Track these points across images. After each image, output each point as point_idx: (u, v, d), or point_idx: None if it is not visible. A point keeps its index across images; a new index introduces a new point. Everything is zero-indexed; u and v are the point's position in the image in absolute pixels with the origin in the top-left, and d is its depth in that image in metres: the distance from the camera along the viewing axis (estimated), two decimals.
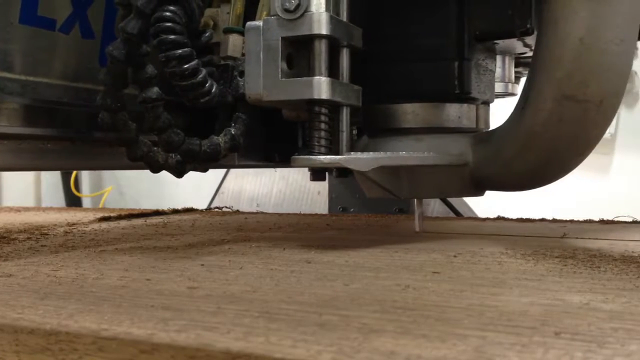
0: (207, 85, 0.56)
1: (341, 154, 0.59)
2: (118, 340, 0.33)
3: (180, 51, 0.54)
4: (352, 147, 0.64)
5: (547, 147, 0.59)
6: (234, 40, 0.62)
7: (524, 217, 0.86)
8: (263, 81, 0.56)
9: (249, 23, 0.57)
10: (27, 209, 1.26)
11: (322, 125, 0.58)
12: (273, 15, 0.56)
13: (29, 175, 2.27)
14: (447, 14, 0.63)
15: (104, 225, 0.87)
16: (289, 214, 1.09)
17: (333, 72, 0.59)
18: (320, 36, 0.56)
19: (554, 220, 0.84)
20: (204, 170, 0.61)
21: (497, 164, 0.63)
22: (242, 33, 0.60)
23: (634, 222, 0.80)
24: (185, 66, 0.54)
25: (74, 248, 0.63)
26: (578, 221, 0.83)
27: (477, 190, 0.67)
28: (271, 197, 1.25)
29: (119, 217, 0.96)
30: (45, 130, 0.62)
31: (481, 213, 1.17)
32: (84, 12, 0.62)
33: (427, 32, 0.64)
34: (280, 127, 0.66)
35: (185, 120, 0.65)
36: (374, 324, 0.33)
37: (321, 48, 0.57)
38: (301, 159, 0.58)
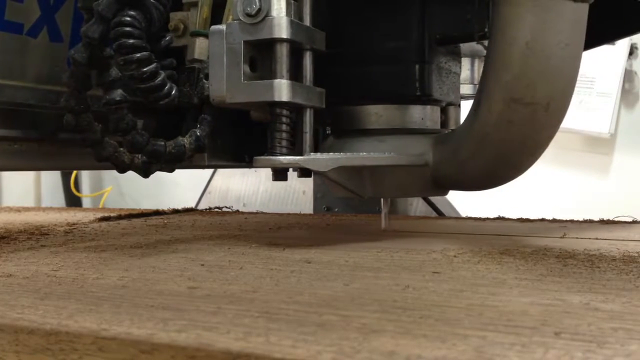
0: (167, 87, 0.58)
1: (304, 155, 0.61)
2: (118, 340, 0.33)
3: (138, 55, 0.55)
4: (318, 148, 0.67)
5: (499, 148, 0.61)
6: (200, 43, 0.63)
7: (524, 217, 0.86)
8: (226, 83, 0.58)
9: (212, 27, 0.59)
10: (27, 209, 1.26)
11: (284, 127, 0.60)
12: (236, 20, 0.58)
13: (29, 176, 2.27)
14: (408, 18, 0.65)
15: (104, 225, 0.87)
16: (289, 214, 1.09)
17: (296, 74, 0.61)
18: (281, 40, 0.58)
19: (554, 220, 0.84)
20: (171, 170, 0.63)
21: (455, 164, 0.65)
22: (208, 36, 0.61)
23: (634, 222, 0.81)
24: (144, 69, 0.56)
25: (74, 248, 0.63)
26: (578, 221, 0.83)
27: (439, 189, 0.69)
28: (257, 196, 1.27)
29: (119, 217, 0.96)
30: (12, 131, 0.64)
31: (463, 213, 1.18)
32: (52, 16, 0.64)
33: (390, 36, 0.66)
34: (251, 128, 0.68)
35: (156, 122, 0.66)
36: (374, 324, 0.33)
37: (282, 51, 0.58)
38: (262, 160, 0.60)
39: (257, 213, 1.06)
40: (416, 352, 0.29)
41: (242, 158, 0.69)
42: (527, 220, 0.84)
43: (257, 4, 0.57)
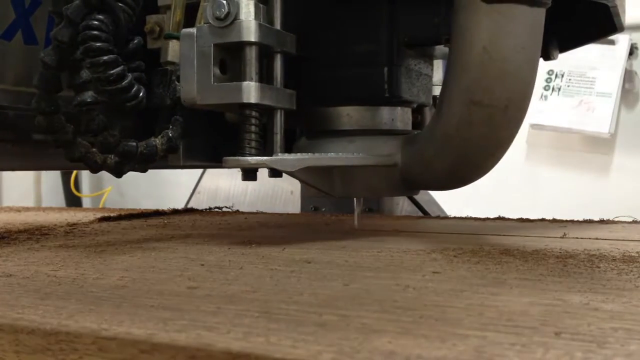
0: (134, 89, 0.59)
1: (275, 155, 0.62)
2: (118, 340, 0.33)
3: (105, 57, 0.56)
4: (291, 148, 0.69)
5: (461, 149, 0.62)
6: (173, 46, 0.64)
7: (524, 217, 0.86)
8: (197, 85, 0.59)
9: (183, 30, 0.60)
10: (27, 209, 1.26)
11: (253, 128, 0.61)
12: (206, 23, 0.59)
13: (29, 176, 2.27)
14: (377, 22, 0.67)
15: (104, 225, 0.87)
16: (289, 214, 1.09)
17: (267, 77, 0.62)
18: (250, 43, 0.59)
19: (554, 220, 0.84)
20: (144, 170, 0.64)
21: (421, 164, 0.66)
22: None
23: (634, 222, 0.81)
24: (111, 72, 0.57)
25: (74, 248, 0.63)
26: (578, 221, 0.83)
27: (408, 189, 0.71)
28: (246, 196, 1.28)
29: (119, 217, 0.96)
30: None
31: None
32: (27, 19, 0.65)
33: (359, 39, 0.68)
34: (227, 129, 0.69)
35: (133, 122, 0.67)
36: (374, 324, 0.33)
37: (251, 54, 0.60)
38: (231, 160, 0.61)
39: (257, 213, 1.06)
40: (416, 352, 0.29)
41: (218, 158, 0.70)
42: (527, 220, 0.84)
43: (226, 7, 0.58)
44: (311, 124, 0.71)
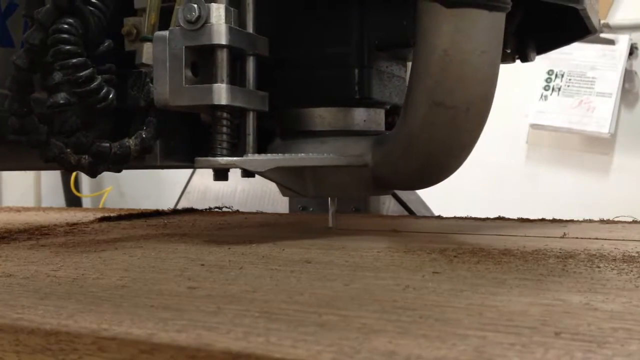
0: (103, 91, 0.60)
1: (246, 156, 0.63)
2: (118, 340, 0.33)
3: (74, 60, 0.58)
4: (265, 149, 0.70)
5: (425, 150, 0.64)
6: (147, 48, 0.65)
7: (524, 217, 0.86)
8: (169, 87, 0.60)
9: (156, 33, 0.62)
10: (27, 209, 1.26)
11: (224, 129, 0.62)
12: (178, 26, 0.60)
13: (29, 176, 2.27)
14: (348, 25, 0.69)
15: (104, 225, 0.87)
16: (288, 214, 1.09)
17: (240, 79, 0.64)
18: (221, 46, 0.60)
19: (554, 220, 0.84)
20: (118, 170, 0.65)
21: (390, 164, 0.67)
22: None
23: (634, 222, 0.81)
24: (80, 74, 0.58)
25: (74, 248, 0.63)
26: (578, 221, 0.83)
27: (379, 189, 0.72)
28: (235, 195, 1.29)
29: (119, 217, 0.96)
30: None
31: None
32: (3, 22, 0.67)
33: (330, 42, 0.70)
34: (205, 129, 0.70)
35: (112, 124, 0.69)
36: (374, 324, 0.33)
37: (222, 57, 0.61)
38: (202, 161, 0.62)
39: (256, 213, 1.06)
40: (416, 352, 0.29)
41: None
42: (527, 220, 0.84)
43: (197, 11, 0.59)
44: (285, 125, 0.73)
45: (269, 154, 0.65)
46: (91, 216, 1.00)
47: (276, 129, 0.75)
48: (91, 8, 0.59)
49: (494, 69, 0.61)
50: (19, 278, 0.48)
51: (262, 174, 0.64)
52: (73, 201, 2.18)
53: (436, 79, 0.60)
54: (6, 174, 2.30)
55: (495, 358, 0.28)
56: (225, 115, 0.62)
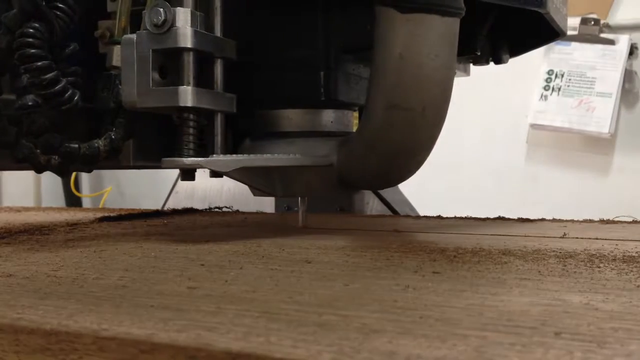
0: (68, 94, 0.61)
1: (213, 156, 0.65)
2: (118, 340, 0.33)
3: (39, 63, 0.59)
4: (234, 150, 0.72)
5: (384, 150, 0.66)
6: (117, 51, 0.67)
7: (524, 217, 0.86)
8: (137, 89, 0.62)
9: (124, 36, 0.64)
10: (27, 209, 1.26)
11: (191, 130, 0.64)
12: (145, 30, 0.62)
13: (29, 176, 2.27)
14: (313, 28, 0.71)
15: (104, 225, 0.87)
16: (288, 214, 1.09)
17: (207, 81, 0.66)
18: (187, 49, 0.62)
19: (554, 220, 0.84)
20: (88, 171, 0.67)
21: (352, 164, 0.69)
22: None
23: (634, 222, 0.81)
24: (44, 77, 0.59)
25: (74, 248, 0.63)
26: (578, 221, 0.83)
27: (345, 188, 0.74)
28: (222, 195, 1.31)
29: (119, 217, 0.96)
30: None
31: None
32: None
33: (297, 45, 0.72)
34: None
35: (88, 124, 0.70)
36: (374, 324, 0.33)
37: (188, 60, 0.62)
38: (168, 161, 0.64)
39: (256, 213, 1.06)
40: (416, 352, 0.29)
41: None
42: (527, 220, 0.84)
43: (163, 15, 0.61)
44: (256, 126, 0.74)
45: (234, 155, 0.66)
46: (91, 216, 1.00)
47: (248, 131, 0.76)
48: (57, 12, 0.60)
49: (449, 72, 0.63)
50: (19, 278, 0.48)
51: (228, 175, 0.65)
52: (73, 201, 2.18)
53: (392, 82, 0.62)
54: (6, 174, 2.30)
55: (495, 358, 0.28)
56: (191, 116, 0.64)
